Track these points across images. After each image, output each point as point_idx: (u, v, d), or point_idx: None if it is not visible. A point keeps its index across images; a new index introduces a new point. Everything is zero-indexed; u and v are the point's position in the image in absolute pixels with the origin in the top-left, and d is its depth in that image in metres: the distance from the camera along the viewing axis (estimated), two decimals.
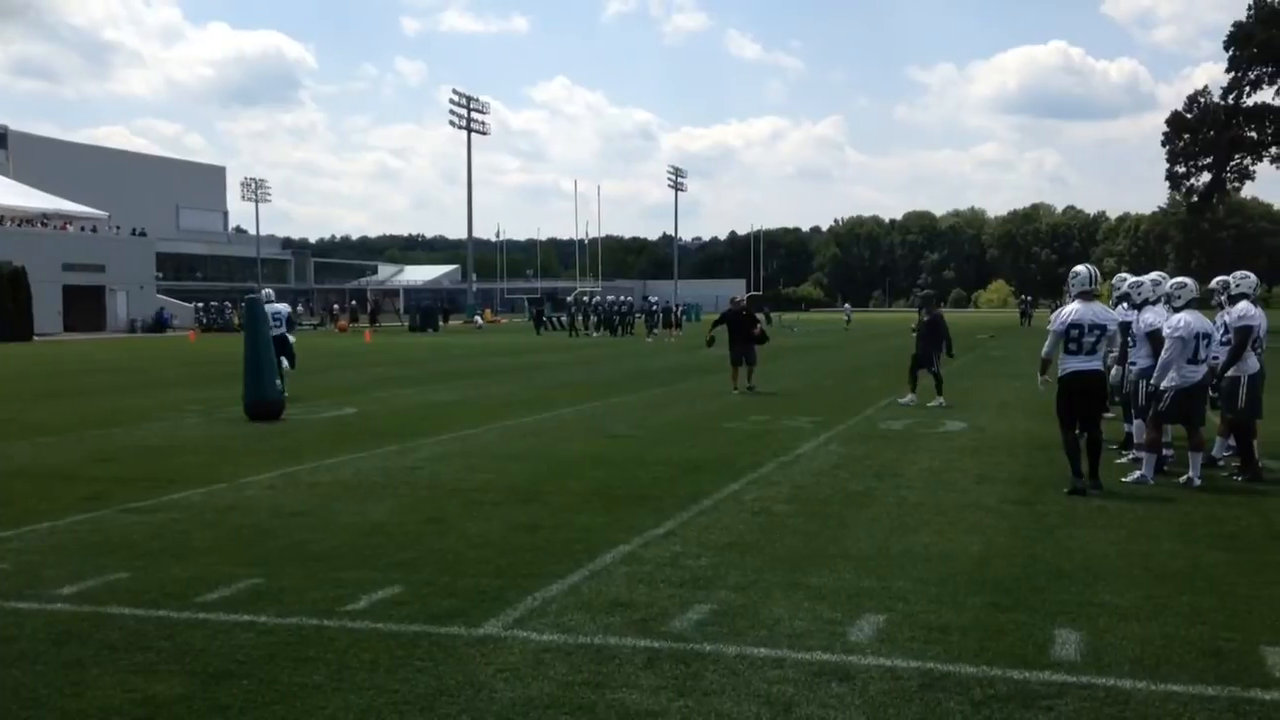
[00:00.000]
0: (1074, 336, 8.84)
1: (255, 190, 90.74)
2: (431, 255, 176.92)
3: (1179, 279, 9.89)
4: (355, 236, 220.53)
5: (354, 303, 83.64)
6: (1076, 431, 8.99)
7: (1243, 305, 9.70)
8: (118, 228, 72.65)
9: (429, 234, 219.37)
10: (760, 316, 24.08)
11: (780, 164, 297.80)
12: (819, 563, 6.59)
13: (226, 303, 69.27)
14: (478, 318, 70.84)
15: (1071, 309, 8.97)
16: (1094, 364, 8.93)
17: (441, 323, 65.93)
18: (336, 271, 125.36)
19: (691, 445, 12.04)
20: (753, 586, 6.05)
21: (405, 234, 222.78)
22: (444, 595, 5.89)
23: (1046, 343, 9.27)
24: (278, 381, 15.81)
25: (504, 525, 7.80)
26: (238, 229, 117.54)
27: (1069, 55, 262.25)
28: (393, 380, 23.19)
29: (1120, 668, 4.68)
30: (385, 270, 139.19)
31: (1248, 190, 64.00)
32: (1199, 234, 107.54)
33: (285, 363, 17.92)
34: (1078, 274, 9.26)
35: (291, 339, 20.65)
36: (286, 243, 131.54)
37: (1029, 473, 9.93)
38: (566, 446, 12.09)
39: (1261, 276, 12.24)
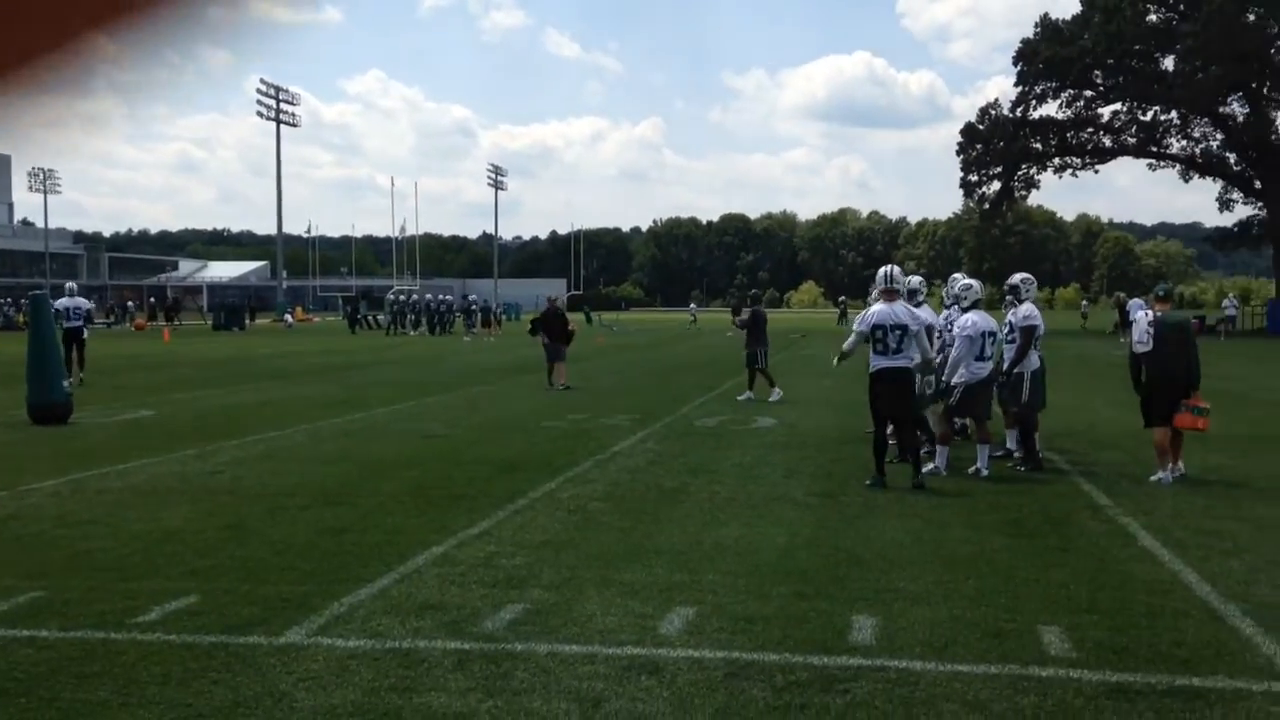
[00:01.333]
0: (879, 337, 9.23)
1: (44, 180, 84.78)
2: (239, 251, 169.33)
3: (966, 281, 10.63)
4: (155, 230, 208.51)
5: (152, 300, 79.26)
6: (889, 430, 9.41)
7: (1027, 307, 10.39)
8: None
9: (235, 228, 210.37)
10: (580, 315, 24.19)
11: (601, 164, 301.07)
12: (632, 559, 6.66)
13: (7, 299, 64.56)
14: (288, 316, 68.13)
15: (875, 310, 9.38)
16: (900, 362, 9.30)
17: (249, 321, 63.25)
18: (133, 267, 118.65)
19: (508, 444, 11.97)
20: (566, 584, 6.06)
21: (210, 228, 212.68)
22: (243, 604, 5.66)
23: (850, 339, 9.74)
24: (66, 383, 14.88)
25: (310, 529, 7.56)
26: (24, 221, 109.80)
27: (873, 66, 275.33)
28: (193, 381, 22.11)
29: (912, 650, 4.91)
30: (187, 266, 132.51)
31: (1034, 198, 68.21)
32: (990, 239, 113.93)
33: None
34: (879, 274, 9.73)
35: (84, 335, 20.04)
36: (78, 236, 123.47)
37: (834, 467, 10.31)
38: (379, 447, 11.82)
39: (1045, 280, 13.14)
